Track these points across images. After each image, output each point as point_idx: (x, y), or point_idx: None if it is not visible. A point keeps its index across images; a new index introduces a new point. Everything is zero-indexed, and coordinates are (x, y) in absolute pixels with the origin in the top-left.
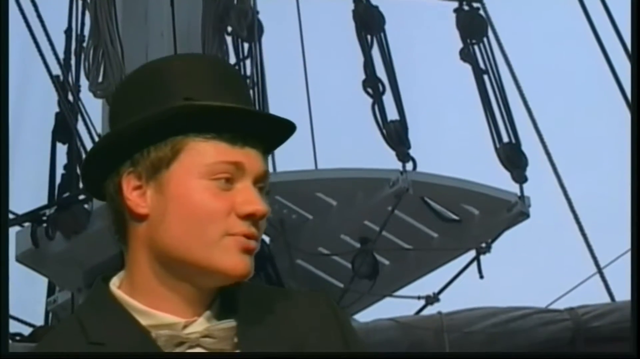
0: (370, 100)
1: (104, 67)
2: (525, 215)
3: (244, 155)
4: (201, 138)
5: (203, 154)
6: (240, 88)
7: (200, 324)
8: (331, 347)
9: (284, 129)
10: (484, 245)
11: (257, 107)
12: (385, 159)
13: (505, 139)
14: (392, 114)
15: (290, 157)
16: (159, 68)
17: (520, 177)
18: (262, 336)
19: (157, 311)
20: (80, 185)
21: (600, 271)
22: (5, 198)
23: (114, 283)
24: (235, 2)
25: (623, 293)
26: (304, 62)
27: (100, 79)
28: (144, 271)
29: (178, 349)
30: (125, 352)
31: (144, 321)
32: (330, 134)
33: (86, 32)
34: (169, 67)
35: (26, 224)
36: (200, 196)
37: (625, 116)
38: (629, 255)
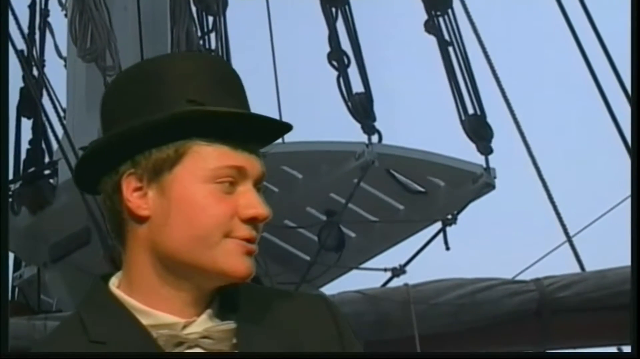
0: (335, 73)
1: (90, 31)
2: (490, 187)
3: (246, 158)
4: (205, 142)
5: (207, 158)
6: (239, 89)
7: (199, 325)
8: (328, 349)
9: (281, 130)
10: (449, 216)
11: None
12: (351, 131)
13: (471, 111)
14: (357, 87)
15: None
16: (159, 68)
17: (485, 149)
18: (261, 338)
19: (157, 311)
20: (47, 159)
21: (569, 239)
22: (6, 197)
23: (113, 283)
24: None
25: (593, 262)
26: (271, 36)
27: (88, 44)
28: (144, 272)
29: (177, 350)
30: (127, 352)
31: (144, 321)
32: (297, 107)
33: (50, 6)
34: (169, 66)
35: None
36: (204, 201)
37: (591, 86)
38: (598, 224)
